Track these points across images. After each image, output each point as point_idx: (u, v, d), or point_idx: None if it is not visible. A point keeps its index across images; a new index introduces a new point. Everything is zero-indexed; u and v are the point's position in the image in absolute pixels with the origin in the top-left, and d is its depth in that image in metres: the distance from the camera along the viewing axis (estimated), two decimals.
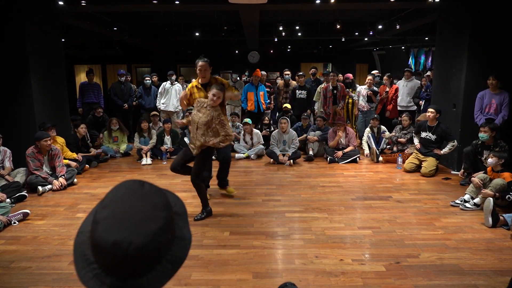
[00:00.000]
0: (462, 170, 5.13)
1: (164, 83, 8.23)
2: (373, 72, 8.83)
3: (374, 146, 6.73)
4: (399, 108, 7.94)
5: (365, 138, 6.99)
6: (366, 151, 6.87)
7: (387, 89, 7.94)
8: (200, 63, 4.08)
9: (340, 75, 8.87)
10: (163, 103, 8.15)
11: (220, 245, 3.41)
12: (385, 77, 8.11)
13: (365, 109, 7.70)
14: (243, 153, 6.96)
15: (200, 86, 4.17)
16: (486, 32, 5.47)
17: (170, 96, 8.14)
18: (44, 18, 5.89)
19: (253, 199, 4.68)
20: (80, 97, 8.34)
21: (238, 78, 9.89)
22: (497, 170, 4.36)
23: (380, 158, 6.56)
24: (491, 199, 3.81)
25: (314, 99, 8.21)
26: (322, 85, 8.02)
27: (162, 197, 0.78)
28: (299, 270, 2.97)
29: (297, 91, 8.06)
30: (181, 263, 0.79)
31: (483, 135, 4.85)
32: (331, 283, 2.78)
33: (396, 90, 7.90)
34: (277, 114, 8.73)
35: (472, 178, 4.48)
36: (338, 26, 9.43)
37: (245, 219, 4.03)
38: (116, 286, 0.73)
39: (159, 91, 8.19)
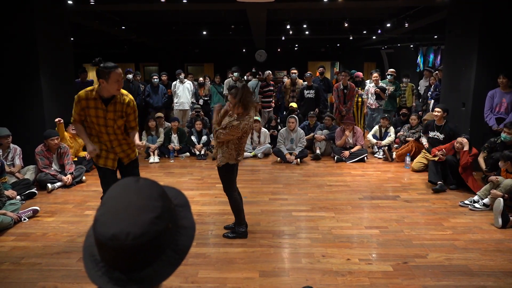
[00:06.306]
0: (491, 172, 4.67)
1: (174, 82, 8.27)
2: (390, 70, 8.70)
3: (375, 140, 6.91)
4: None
5: (371, 134, 7.09)
6: (372, 141, 6.97)
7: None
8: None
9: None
10: (176, 103, 8.21)
11: (227, 243, 3.42)
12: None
13: (373, 107, 7.67)
14: (250, 152, 6.96)
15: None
16: (496, 30, 5.39)
17: (183, 94, 8.20)
18: (53, 17, 5.95)
19: (260, 198, 4.69)
20: None
21: (239, 77, 8.31)
22: (511, 171, 4.30)
23: (394, 156, 6.53)
24: (501, 199, 3.76)
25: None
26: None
27: (157, 189, 0.80)
28: (306, 269, 2.96)
29: (305, 91, 8.04)
30: (186, 252, 0.80)
31: (506, 136, 4.71)
32: (338, 282, 2.77)
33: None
34: (284, 113, 8.72)
35: (490, 177, 4.38)
36: (346, 25, 9.40)
37: (252, 217, 4.03)
38: (122, 279, 0.74)
39: (172, 90, 8.25)
